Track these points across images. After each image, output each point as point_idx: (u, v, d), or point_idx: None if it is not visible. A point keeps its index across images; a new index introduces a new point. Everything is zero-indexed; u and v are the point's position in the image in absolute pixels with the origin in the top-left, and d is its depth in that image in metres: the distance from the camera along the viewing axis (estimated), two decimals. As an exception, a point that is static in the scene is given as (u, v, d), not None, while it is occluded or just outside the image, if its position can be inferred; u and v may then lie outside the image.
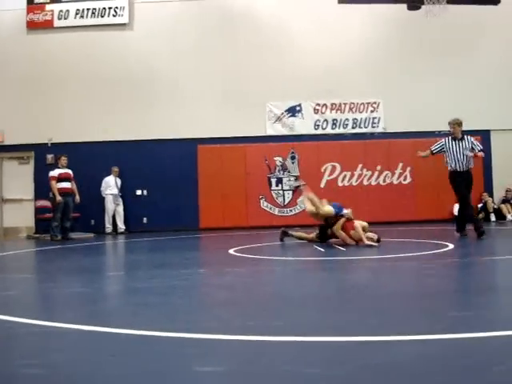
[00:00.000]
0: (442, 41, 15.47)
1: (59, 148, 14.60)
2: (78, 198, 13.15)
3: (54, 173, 12.94)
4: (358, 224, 8.50)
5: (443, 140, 9.65)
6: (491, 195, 15.12)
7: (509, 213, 14.81)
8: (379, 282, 5.12)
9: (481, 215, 13.84)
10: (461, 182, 9.37)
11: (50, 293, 5.08)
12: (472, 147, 9.35)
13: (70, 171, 13.16)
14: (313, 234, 9.34)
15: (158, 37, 15.68)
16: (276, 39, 15.63)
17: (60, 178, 12.87)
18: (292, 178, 9.29)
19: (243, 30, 15.70)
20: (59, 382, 2.34)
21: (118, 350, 2.86)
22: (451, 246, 7.92)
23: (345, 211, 8.79)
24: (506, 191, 15.07)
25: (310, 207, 9.30)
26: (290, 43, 15.63)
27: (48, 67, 15.52)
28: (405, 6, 14.35)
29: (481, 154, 9.36)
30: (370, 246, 8.10)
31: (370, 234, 8.47)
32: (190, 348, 2.87)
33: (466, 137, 9.43)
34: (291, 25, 15.65)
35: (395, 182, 15.42)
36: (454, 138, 9.41)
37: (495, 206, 14.93)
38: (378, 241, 8.36)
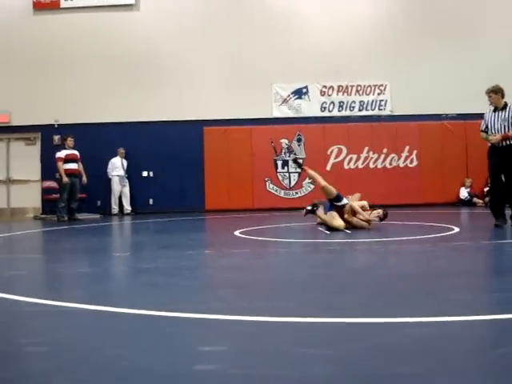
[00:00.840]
0: (450, 22, 15.33)
1: (66, 129, 14.62)
2: (84, 179, 13.21)
3: (61, 154, 12.97)
4: (356, 206, 8.40)
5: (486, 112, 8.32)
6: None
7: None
8: (383, 265, 5.13)
9: (486, 199, 13.75)
10: (496, 160, 7.91)
11: (55, 273, 5.12)
12: None
13: (76, 152, 13.20)
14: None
15: (164, 18, 15.60)
16: (283, 20, 15.51)
17: (66, 159, 12.92)
18: (295, 164, 9.02)
19: (250, 10, 15.59)
20: (63, 361, 2.37)
21: (122, 330, 2.88)
22: (457, 230, 7.91)
23: (344, 201, 8.44)
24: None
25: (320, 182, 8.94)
26: (296, 24, 15.52)
27: (54, 48, 15.48)
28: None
29: (511, 132, 7.72)
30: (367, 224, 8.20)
31: (375, 212, 8.54)
32: (194, 328, 2.89)
33: (509, 106, 7.91)
34: (298, 5, 15.53)
35: (401, 165, 15.39)
36: (495, 109, 7.98)
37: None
38: (385, 216, 8.53)
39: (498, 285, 4.03)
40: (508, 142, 7.71)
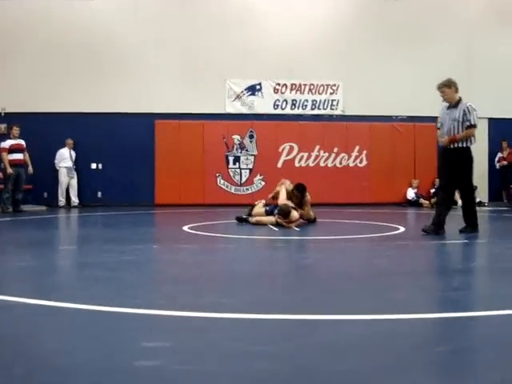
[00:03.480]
0: (403, 27, 15.63)
1: (13, 118, 14.19)
2: (30, 169, 12.89)
3: (6, 144, 12.63)
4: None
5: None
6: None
7: (460, 198, 15.13)
8: (328, 262, 5.20)
9: (433, 200, 14.09)
10: (443, 162, 7.52)
11: (-3, 265, 4.99)
12: (463, 118, 7.10)
13: (22, 142, 12.85)
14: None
15: (119, 7, 15.34)
16: (239, 16, 15.48)
17: (11, 149, 12.57)
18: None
19: (206, 4, 15.48)
20: (3, 355, 2.32)
21: (65, 325, 2.84)
22: (402, 229, 8.09)
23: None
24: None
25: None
26: (252, 21, 15.53)
27: (5, 33, 14.96)
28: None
29: (459, 135, 7.06)
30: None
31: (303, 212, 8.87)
32: (137, 323, 2.87)
33: (461, 103, 7.18)
34: (255, 2, 15.54)
35: (351, 165, 15.60)
36: (449, 106, 7.28)
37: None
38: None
39: (437, 284, 4.15)
40: (456, 145, 7.15)
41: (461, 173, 7.20)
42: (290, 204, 8.67)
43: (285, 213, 8.35)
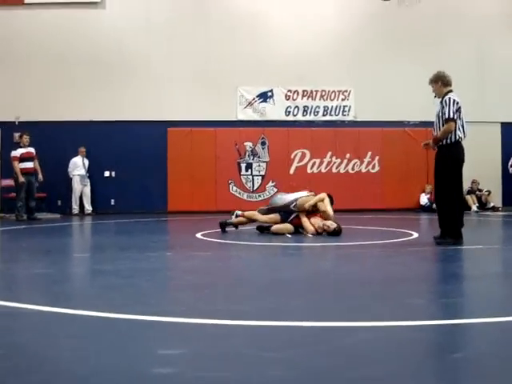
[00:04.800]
0: (414, 32, 15.61)
1: (27, 126, 14.33)
2: (41, 176, 12.98)
3: (16, 153, 12.76)
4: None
5: None
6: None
7: (474, 204, 15.08)
8: (342, 269, 5.20)
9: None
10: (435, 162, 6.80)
11: (12, 273, 5.03)
12: (442, 112, 6.57)
13: (32, 150, 12.97)
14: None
15: (131, 17, 15.46)
16: (250, 23, 15.55)
17: (22, 158, 12.69)
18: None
19: (217, 12, 15.57)
20: (20, 363, 2.34)
21: (81, 332, 2.86)
22: (415, 235, 8.06)
23: (294, 215, 8.48)
24: (472, 182, 15.32)
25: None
26: (263, 28, 15.58)
27: (18, 44, 15.16)
28: (378, -5, 14.45)
29: (438, 134, 6.55)
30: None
31: (328, 223, 8.13)
32: (152, 331, 2.89)
33: (445, 97, 6.62)
34: (266, 9, 15.58)
35: (363, 171, 15.58)
36: (440, 102, 6.75)
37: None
38: (336, 232, 7.97)
39: (450, 290, 4.13)
40: (441, 143, 6.61)
41: (441, 172, 6.58)
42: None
43: (338, 233, 7.95)
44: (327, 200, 8.51)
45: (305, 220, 8.36)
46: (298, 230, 8.42)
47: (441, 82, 6.76)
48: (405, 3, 11.94)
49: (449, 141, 6.53)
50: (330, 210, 8.40)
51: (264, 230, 8.66)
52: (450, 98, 6.53)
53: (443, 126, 6.50)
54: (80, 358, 2.40)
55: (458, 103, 6.52)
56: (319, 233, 8.13)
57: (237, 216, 8.97)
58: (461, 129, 6.56)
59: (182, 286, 4.29)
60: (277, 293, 3.94)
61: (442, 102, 6.63)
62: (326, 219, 8.28)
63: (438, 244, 6.61)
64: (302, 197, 8.67)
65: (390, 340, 2.66)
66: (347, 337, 2.74)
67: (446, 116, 6.46)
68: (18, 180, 12.62)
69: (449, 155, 6.54)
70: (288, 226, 8.44)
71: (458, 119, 6.51)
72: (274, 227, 8.46)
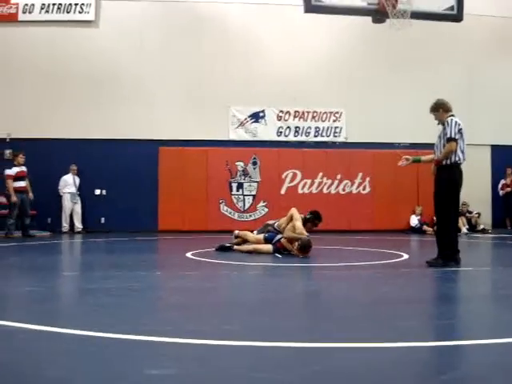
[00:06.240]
0: (405, 55, 15.78)
1: (17, 143, 14.31)
2: (31, 194, 13.08)
3: (11, 172, 12.77)
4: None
5: None
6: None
7: (464, 226, 15.12)
8: (332, 290, 5.19)
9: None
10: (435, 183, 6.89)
11: (0, 291, 4.98)
12: (444, 133, 6.77)
13: (25, 169, 13.03)
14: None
15: (124, 36, 15.54)
16: (242, 44, 15.67)
17: (16, 177, 12.72)
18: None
19: (210, 33, 15.68)
20: (5, 382, 2.31)
21: (66, 351, 2.83)
22: (405, 256, 8.07)
23: (278, 237, 8.60)
24: (462, 204, 15.36)
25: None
26: (255, 49, 15.70)
27: (10, 61, 15.19)
28: (370, 18, 14.58)
29: (440, 156, 6.71)
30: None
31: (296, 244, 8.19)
32: (141, 350, 2.86)
33: (447, 121, 6.76)
34: (258, 31, 15.72)
35: (354, 192, 15.62)
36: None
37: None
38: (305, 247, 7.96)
39: (441, 312, 4.13)
40: (443, 163, 6.71)
41: (438, 193, 6.71)
42: (305, 233, 8.27)
43: (308, 247, 7.96)
44: (296, 215, 8.52)
45: (284, 241, 8.44)
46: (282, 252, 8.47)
47: (442, 110, 6.93)
48: (396, 26, 12.03)
49: (448, 161, 6.66)
50: (299, 224, 8.35)
51: (226, 249, 8.91)
52: (451, 120, 6.74)
53: (444, 146, 6.68)
54: (67, 377, 2.37)
55: (459, 125, 6.72)
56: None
57: (236, 237, 9.40)
58: (461, 153, 6.69)
59: (171, 306, 4.26)
60: (266, 313, 3.92)
61: (443, 124, 6.83)
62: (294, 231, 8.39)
63: (429, 265, 6.65)
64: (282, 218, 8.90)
65: (380, 361, 2.65)
66: (337, 358, 2.73)
67: (448, 135, 6.65)
68: (10, 198, 12.62)
69: (446, 176, 6.69)
70: (268, 247, 8.60)
71: (459, 140, 6.68)
72: (254, 246, 8.78)
